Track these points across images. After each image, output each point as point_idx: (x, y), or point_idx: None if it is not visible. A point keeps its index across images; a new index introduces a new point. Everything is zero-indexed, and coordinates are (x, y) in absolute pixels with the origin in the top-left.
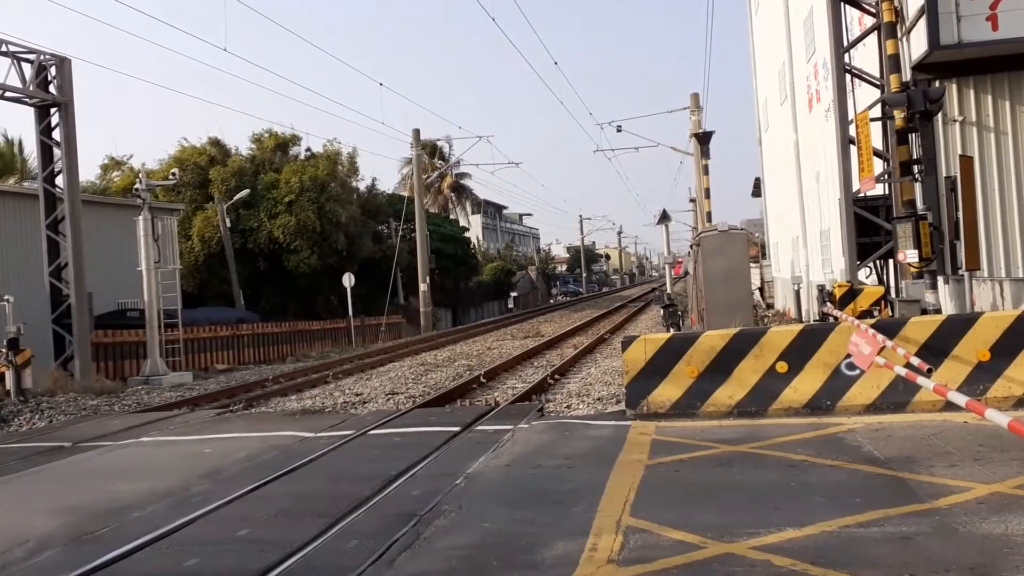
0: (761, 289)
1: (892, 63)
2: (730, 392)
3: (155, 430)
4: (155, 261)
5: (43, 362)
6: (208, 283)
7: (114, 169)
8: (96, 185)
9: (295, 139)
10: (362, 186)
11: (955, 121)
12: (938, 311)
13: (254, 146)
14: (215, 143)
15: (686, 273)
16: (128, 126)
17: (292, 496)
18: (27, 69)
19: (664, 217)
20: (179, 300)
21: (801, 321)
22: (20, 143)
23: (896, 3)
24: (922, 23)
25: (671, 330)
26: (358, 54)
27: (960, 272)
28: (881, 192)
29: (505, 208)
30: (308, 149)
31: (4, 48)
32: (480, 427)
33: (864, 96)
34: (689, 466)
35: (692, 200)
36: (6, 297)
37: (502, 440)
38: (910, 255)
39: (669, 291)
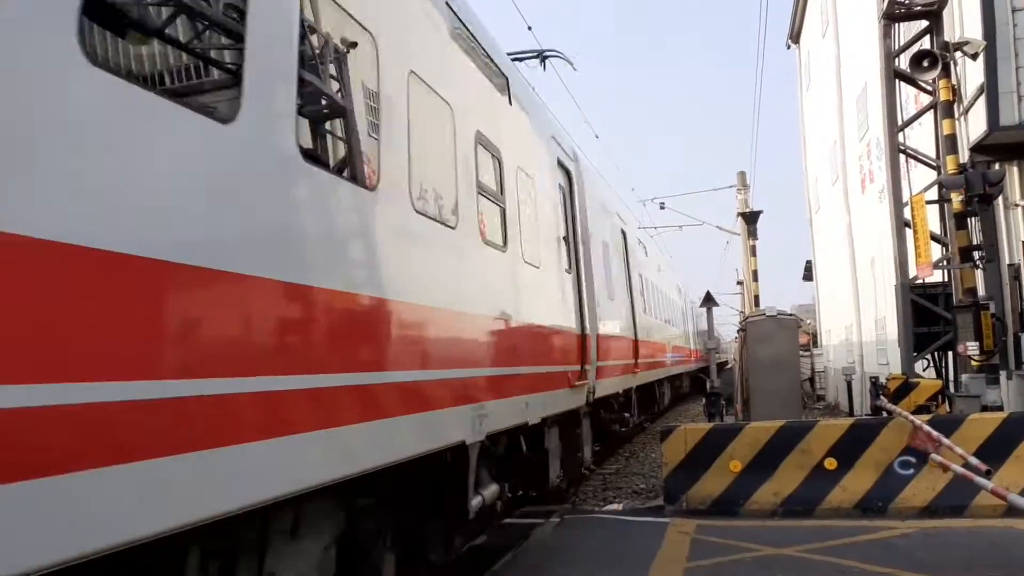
0: (812, 379)
1: (949, 143)
2: (775, 489)
3: None
4: None
5: None
6: None
7: None
8: None
9: None
10: None
11: (1017, 205)
12: (999, 408)
13: None
14: None
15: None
16: None
17: None
18: None
19: (708, 300)
20: None
21: (853, 415)
22: None
23: (954, 81)
24: (981, 102)
25: (713, 421)
26: None
27: None
28: (940, 279)
29: None
30: None
31: None
32: (506, 520)
33: (919, 177)
34: (730, 569)
35: (739, 282)
36: None
37: (530, 535)
38: (971, 347)
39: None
